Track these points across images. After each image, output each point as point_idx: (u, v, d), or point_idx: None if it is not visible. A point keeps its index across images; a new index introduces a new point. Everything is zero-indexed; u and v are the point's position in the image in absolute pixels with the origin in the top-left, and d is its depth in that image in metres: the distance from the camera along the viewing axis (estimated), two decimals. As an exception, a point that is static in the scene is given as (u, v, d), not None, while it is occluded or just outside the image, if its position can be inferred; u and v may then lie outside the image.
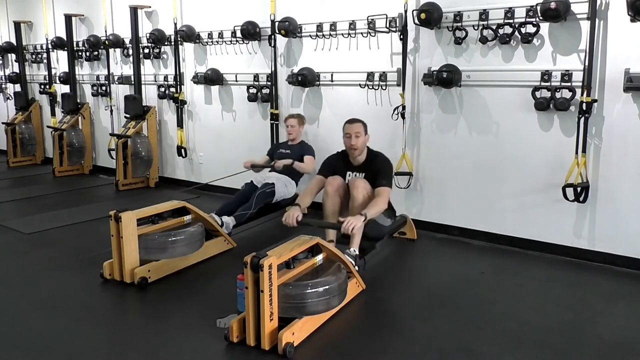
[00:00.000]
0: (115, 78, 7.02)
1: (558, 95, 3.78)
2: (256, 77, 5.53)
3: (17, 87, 8.54)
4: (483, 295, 3.30)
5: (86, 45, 7.20)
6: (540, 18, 3.74)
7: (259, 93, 5.51)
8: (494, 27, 3.99)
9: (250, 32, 5.34)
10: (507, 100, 4.07)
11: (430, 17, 4.10)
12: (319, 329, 2.83)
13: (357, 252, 3.40)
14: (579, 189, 3.71)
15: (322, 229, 3.57)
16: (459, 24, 4.12)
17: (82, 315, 3.06)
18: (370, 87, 4.71)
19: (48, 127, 7.82)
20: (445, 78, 4.14)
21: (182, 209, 3.82)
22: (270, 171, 4.86)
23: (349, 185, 3.56)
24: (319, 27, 4.93)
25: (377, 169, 3.60)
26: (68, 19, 7.26)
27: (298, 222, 3.27)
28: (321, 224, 3.48)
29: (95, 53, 7.24)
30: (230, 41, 5.65)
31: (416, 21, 4.21)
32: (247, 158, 5.08)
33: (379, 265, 3.82)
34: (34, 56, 8.28)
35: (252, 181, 4.73)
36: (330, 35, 4.90)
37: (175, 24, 6.04)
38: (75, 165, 7.46)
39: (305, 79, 5.01)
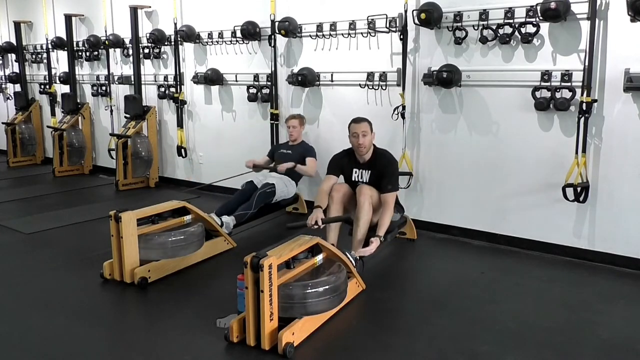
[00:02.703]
0: (115, 78, 7.02)
1: (558, 95, 3.78)
2: (256, 77, 5.53)
3: (17, 87, 8.54)
4: (483, 295, 3.30)
5: (86, 45, 7.20)
6: (540, 18, 3.74)
7: (259, 93, 5.51)
8: (494, 27, 3.99)
9: (250, 32, 5.34)
10: (507, 100, 4.07)
11: (430, 17, 4.10)
12: (319, 329, 2.83)
13: (357, 256, 3.40)
14: (579, 189, 3.71)
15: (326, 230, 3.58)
16: (459, 24, 4.12)
17: (82, 315, 3.06)
18: (370, 87, 4.71)
19: (48, 127, 7.82)
20: (445, 78, 4.14)
21: (182, 209, 3.82)
22: (271, 171, 4.87)
23: (355, 192, 3.62)
24: (319, 27, 4.93)
25: (383, 171, 3.66)
26: (68, 19, 7.26)
27: (323, 222, 3.48)
28: (342, 217, 3.62)
29: (95, 53, 7.24)
30: (230, 41, 5.65)
31: (416, 21, 4.21)
32: (248, 158, 5.08)
33: (379, 265, 3.82)
34: (34, 56, 8.28)
35: (252, 181, 4.72)
36: (330, 35, 4.90)
37: (175, 24, 6.04)
38: (75, 165, 7.46)
39: (305, 79, 5.01)
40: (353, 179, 3.79)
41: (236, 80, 5.76)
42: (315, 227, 3.42)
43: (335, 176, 3.80)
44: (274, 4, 5.21)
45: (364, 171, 3.76)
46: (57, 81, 7.84)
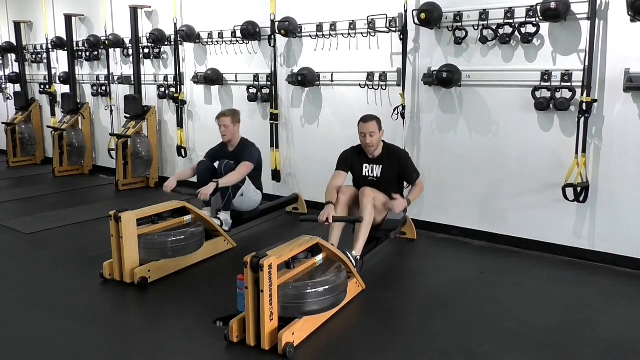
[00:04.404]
0: (115, 78, 7.02)
1: (558, 95, 3.78)
2: (256, 77, 5.53)
3: (17, 87, 8.54)
4: (483, 295, 3.30)
5: (86, 45, 7.20)
6: (540, 18, 3.74)
7: (259, 93, 5.51)
8: (494, 27, 3.99)
9: (250, 32, 5.34)
10: (507, 100, 4.07)
11: (430, 17, 4.10)
12: (319, 329, 2.83)
13: (358, 256, 3.41)
14: (579, 189, 3.70)
15: (326, 230, 3.59)
16: (459, 24, 4.12)
17: (82, 315, 3.06)
18: (370, 87, 4.71)
19: (48, 127, 7.82)
20: (445, 78, 4.14)
21: (182, 209, 3.82)
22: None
23: (359, 193, 3.64)
24: (319, 27, 4.93)
25: (400, 167, 3.77)
26: (68, 19, 7.26)
27: (334, 219, 3.43)
28: (353, 219, 3.57)
29: (95, 53, 7.24)
30: (230, 41, 5.65)
31: (416, 21, 4.21)
32: (170, 178, 4.30)
33: (379, 265, 3.82)
34: (34, 56, 8.28)
35: (204, 161, 4.42)
36: (330, 35, 4.90)
37: (175, 24, 6.04)
38: (75, 165, 7.46)
39: (305, 79, 5.01)
40: (364, 174, 3.83)
41: (236, 80, 5.76)
42: (327, 223, 3.43)
43: (345, 172, 3.83)
44: (274, 4, 5.20)
45: (374, 166, 3.80)
46: (57, 81, 7.83)
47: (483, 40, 4.06)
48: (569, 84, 3.74)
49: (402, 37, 4.40)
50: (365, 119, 3.71)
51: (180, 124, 6.30)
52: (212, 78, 5.80)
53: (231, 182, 4.14)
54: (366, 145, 3.72)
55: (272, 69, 5.33)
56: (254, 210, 4.54)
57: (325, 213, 3.44)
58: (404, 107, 4.46)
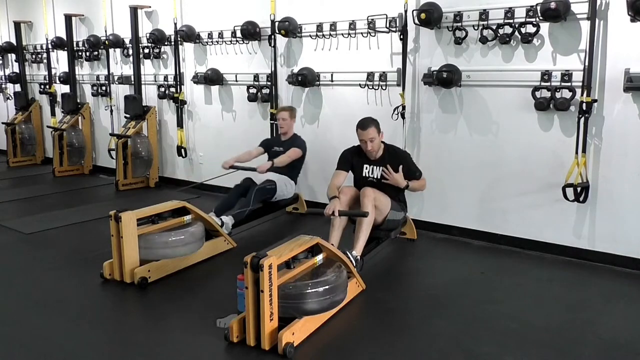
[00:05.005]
0: (115, 78, 7.02)
1: (558, 95, 3.78)
2: (256, 77, 5.53)
3: (17, 87, 8.54)
4: (483, 296, 3.30)
5: (86, 45, 7.20)
6: (540, 18, 3.74)
7: (259, 93, 5.51)
8: (494, 27, 3.99)
9: (250, 32, 5.34)
10: (507, 100, 4.07)
11: (430, 17, 4.10)
12: (319, 329, 2.83)
13: (358, 256, 3.41)
14: (579, 189, 3.71)
15: (326, 229, 3.59)
16: (459, 24, 4.12)
17: (82, 316, 3.06)
18: (370, 87, 4.71)
19: (48, 127, 7.82)
20: (445, 78, 4.14)
21: (182, 209, 3.81)
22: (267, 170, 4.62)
23: (360, 193, 3.64)
24: (319, 27, 4.93)
25: (405, 167, 3.78)
26: (68, 19, 7.26)
27: (339, 213, 3.50)
28: (358, 213, 3.58)
29: (95, 53, 7.24)
30: (230, 41, 5.65)
31: (416, 21, 4.21)
32: (229, 157, 4.76)
33: (379, 265, 3.82)
34: (34, 56, 8.28)
35: (251, 178, 4.67)
36: (330, 35, 4.90)
37: (175, 24, 6.04)
38: (75, 165, 7.46)
39: (305, 79, 5.01)
40: (364, 175, 3.84)
41: (236, 80, 5.76)
42: (333, 217, 3.49)
43: (345, 171, 3.85)
44: (274, 4, 5.21)
45: (374, 167, 3.81)
46: (57, 81, 7.83)
47: (483, 40, 4.06)
48: (569, 84, 3.74)
49: (402, 37, 4.40)
50: (364, 126, 3.69)
51: (180, 124, 6.30)
52: (212, 78, 5.80)
53: (283, 162, 4.65)
54: (367, 151, 3.75)
55: (272, 69, 5.33)
56: (289, 198, 4.91)
57: (332, 207, 3.49)
58: (404, 107, 4.46)
